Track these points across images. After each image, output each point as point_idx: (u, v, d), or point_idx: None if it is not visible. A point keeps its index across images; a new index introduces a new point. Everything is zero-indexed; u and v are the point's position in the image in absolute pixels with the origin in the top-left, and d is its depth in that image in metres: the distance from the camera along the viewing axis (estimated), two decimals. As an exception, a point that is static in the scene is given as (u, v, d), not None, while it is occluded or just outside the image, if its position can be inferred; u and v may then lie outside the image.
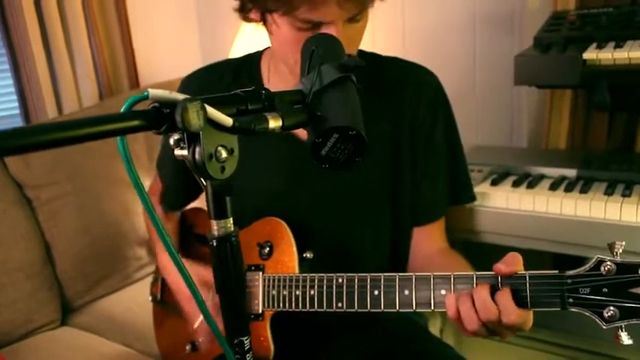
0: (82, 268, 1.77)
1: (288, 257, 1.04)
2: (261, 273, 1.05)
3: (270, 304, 1.02)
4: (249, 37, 1.98)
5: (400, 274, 0.89)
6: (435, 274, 0.86)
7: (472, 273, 0.83)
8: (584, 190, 1.29)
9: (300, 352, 1.14)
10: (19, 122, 2.01)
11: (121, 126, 0.53)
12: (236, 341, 0.65)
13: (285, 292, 1.00)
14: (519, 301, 0.78)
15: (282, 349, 1.05)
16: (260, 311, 1.03)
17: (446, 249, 1.16)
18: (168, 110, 0.54)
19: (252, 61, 1.15)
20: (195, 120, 0.53)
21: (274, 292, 1.02)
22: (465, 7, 1.80)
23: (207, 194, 0.61)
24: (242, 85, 0.67)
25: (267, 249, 1.07)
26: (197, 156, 0.57)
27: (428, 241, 1.16)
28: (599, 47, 1.28)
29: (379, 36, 1.95)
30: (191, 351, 1.17)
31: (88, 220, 1.79)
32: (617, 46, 1.27)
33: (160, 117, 0.54)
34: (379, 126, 1.07)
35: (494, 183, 1.40)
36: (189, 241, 1.29)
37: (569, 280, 0.75)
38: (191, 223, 1.31)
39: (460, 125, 1.15)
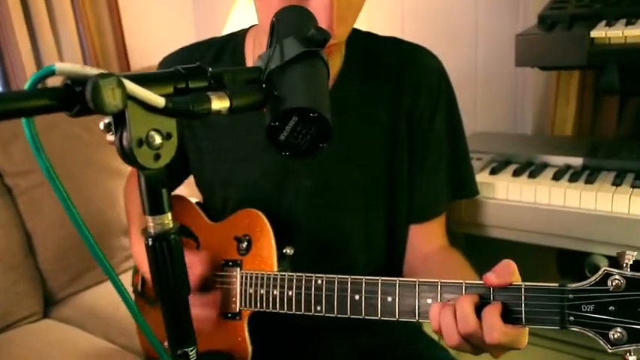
0: (64, 259, 1.70)
1: (266, 253, 0.97)
2: (238, 269, 0.98)
3: (248, 303, 0.95)
4: (245, 15, 1.89)
5: (384, 278, 0.80)
6: (420, 280, 0.77)
7: (462, 281, 0.74)
8: (589, 181, 1.20)
9: (285, 354, 1.07)
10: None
11: (24, 106, 0.45)
12: (179, 352, 0.58)
13: (262, 292, 0.93)
14: (512, 316, 0.69)
15: (264, 350, 0.98)
16: (237, 310, 0.96)
17: (445, 247, 1.07)
18: (80, 88, 0.45)
19: (237, 39, 1.06)
20: (110, 99, 0.45)
21: (251, 291, 0.95)
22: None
23: (139, 185, 0.53)
24: (224, 65, 0.59)
25: (246, 243, 0.99)
26: (124, 142, 0.49)
27: (425, 239, 1.07)
28: (609, 25, 1.17)
29: (376, 15, 1.85)
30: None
31: (71, 209, 1.71)
32: (629, 23, 1.16)
33: (72, 96, 0.46)
34: (374, 113, 0.98)
35: (493, 172, 1.31)
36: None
37: (570, 295, 0.66)
38: (172, 211, 1.23)
39: (460, 110, 1.06)
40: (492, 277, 0.70)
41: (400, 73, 0.99)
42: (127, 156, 0.50)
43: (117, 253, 1.82)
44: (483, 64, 1.73)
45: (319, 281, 0.85)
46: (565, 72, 1.49)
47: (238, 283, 0.97)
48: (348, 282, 0.83)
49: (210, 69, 0.56)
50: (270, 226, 0.97)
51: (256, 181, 1.03)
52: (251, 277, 0.95)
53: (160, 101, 0.49)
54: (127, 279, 1.71)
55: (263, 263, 0.96)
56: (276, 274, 0.92)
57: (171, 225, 0.55)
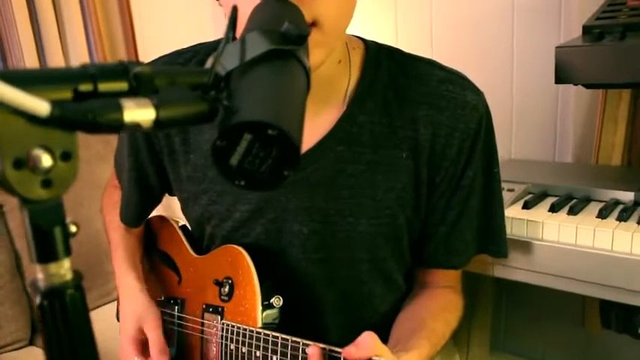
0: (56, 281, 1.59)
1: (249, 303, 0.83)
2: (219, 318, 0.87)
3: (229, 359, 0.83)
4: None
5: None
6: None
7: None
8: (643, 220, 1.01)
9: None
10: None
11: None
12: None
13: (244, 350, 0.81)
14: None
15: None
16: (218, 367, 0.83)
17: (447, 288, 0.94)
18: None
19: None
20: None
21: (232, 347, 0.83)
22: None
23: (24, 224, 0.39)
24: None
25: (227, 287, 0.87)
26: (-5, 163, 0.35)
27: (431, 276, 0.94)
28: (669, 37, 0.99)
29: (403, 27, 1.69)
30: None
31: (66, 229, 1.60)
32: (694, 35, 0.98)
33: None
34: (393, 152, 0.81)
35: (527, 206, 1.13)
36: (154, 259, 1.08)
37: None
38: (155, 235, 1.10)
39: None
40: (352, 350, 0.66)
41: (432, 108, 0.81)
42: (2, 184, 0.36)
43: (111, 277, 1.69)
44: (519, 82, 1.55)
45: (309, 351, 0.71)
46: (613, 91, 1.31)
47: (219, 336, 0.85)
48: (341, 356, 0.69)
49: (136, 68, 0.42)
50: (258, 270, 0.83)
51: (244, 221, 0.87)
52: (232, 331, 0.83)
53: (42, 108, 0.35)
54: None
55: (246, 315, 0.83)
56: (260, 332, 0.79)
57: (68, 276, 0.40)
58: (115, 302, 1.69)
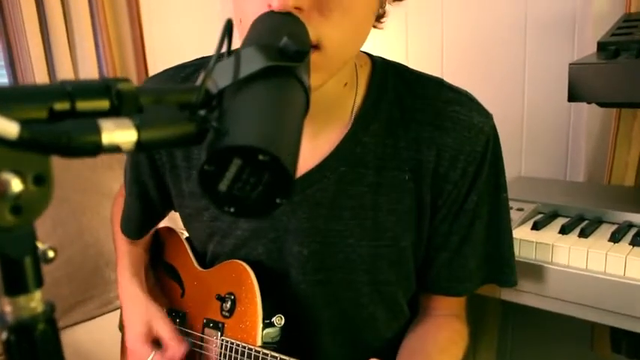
0: (54, 290, 1.57)
1: (250, 320, 0.81)
2: (219, 334, 0.85)
3: None
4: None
5: None
6: None
7: None
8: (657, 245, 0.97)
9: None
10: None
11: None
12: None
13: None
14: None
15: None
16: (214, 383, 0.82)
17: (451, 316, 0.89)
18: None
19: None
20: None
21: None
22: (514, 6, 1.50)
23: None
24: None
25: (229, 303, 0.84)
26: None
27: (434, 302, 0.90)
28: (687, 56, 0.95)
29: (414, 43, 1.66)
30: None
31: (65, 237, 1.59)
32: None
33: None
34: (397, 175, 0.78)
35: (537, 226, 1.09)
36: (159, 270, 1.06)
37: None
38: (162, 246, 1.08)
39: (503, 152, 0.84)
40: None
41: (437, 130, 0.77)
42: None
43: (113, 287, 1.67)
44: (531, 98, 1.52)
45: None
46: (627, 109, 1.27)
47: (217, 352, 0.83)
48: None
49: (118, 85, 0.39)
50: (261, 287, 0.81)
51: (246, 239, 0.84)
52: (231, 348, 0.81)
53: (10, 130, 0.33)
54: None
55: (246, 333, 0.81)
56: (259, 350, 0.77)
57: (39, 309, 0.37)
58: (115, 312, 1.68)
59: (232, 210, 0.42)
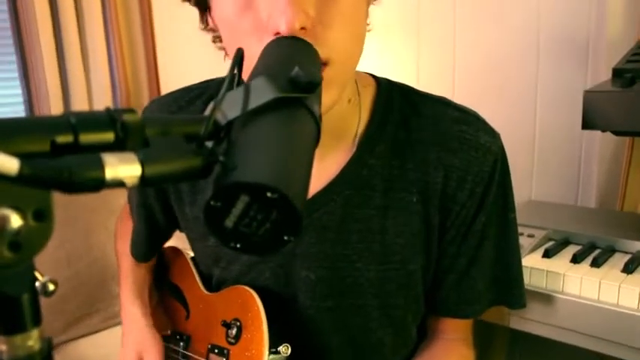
0: (60, 303, 1.58)
1: (256, 349, 0.79)
2: None
3: None
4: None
5: None
6: None
7: None
8: (672, 278, 0.95)
9: None
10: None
11: None
12: None
13: None
14: None
15: None
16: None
17: (458, 340, 0.88)
18: None
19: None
20: None
21: None
22: (527, 29, 1.48)
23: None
24: None
25: (235, 330, 0.82)
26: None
27: (441, 324, 0.89)
28: None
29: (425, 65, 1.65)
30: None
31: (73, 251, 1.59)
32: None
33: None
34: (404, 197, 0.77)
35: (547, 254, 1.07)
36: (164, 291, 1.05)
37: None
38: (167, 266, 1.06)
39: (514, 176, 0.81)
40: None
41: (444, 150, 0.76)
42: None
43: (118, 300, 1.66)
44: (542, 122, 1.50)
45: None
46: (641, 138, 1.25)
47: None
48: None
49: (124, 116, 0.38)
50: (267, 314, 0.79)
51: (252, 264, 0.83)
52: None
53: (10, 166, 0.32)
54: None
55: None
56: None
57: (36, 348, 0.36)
58: (120, 325, 1.67)
59: (239, 246, 0.41)
